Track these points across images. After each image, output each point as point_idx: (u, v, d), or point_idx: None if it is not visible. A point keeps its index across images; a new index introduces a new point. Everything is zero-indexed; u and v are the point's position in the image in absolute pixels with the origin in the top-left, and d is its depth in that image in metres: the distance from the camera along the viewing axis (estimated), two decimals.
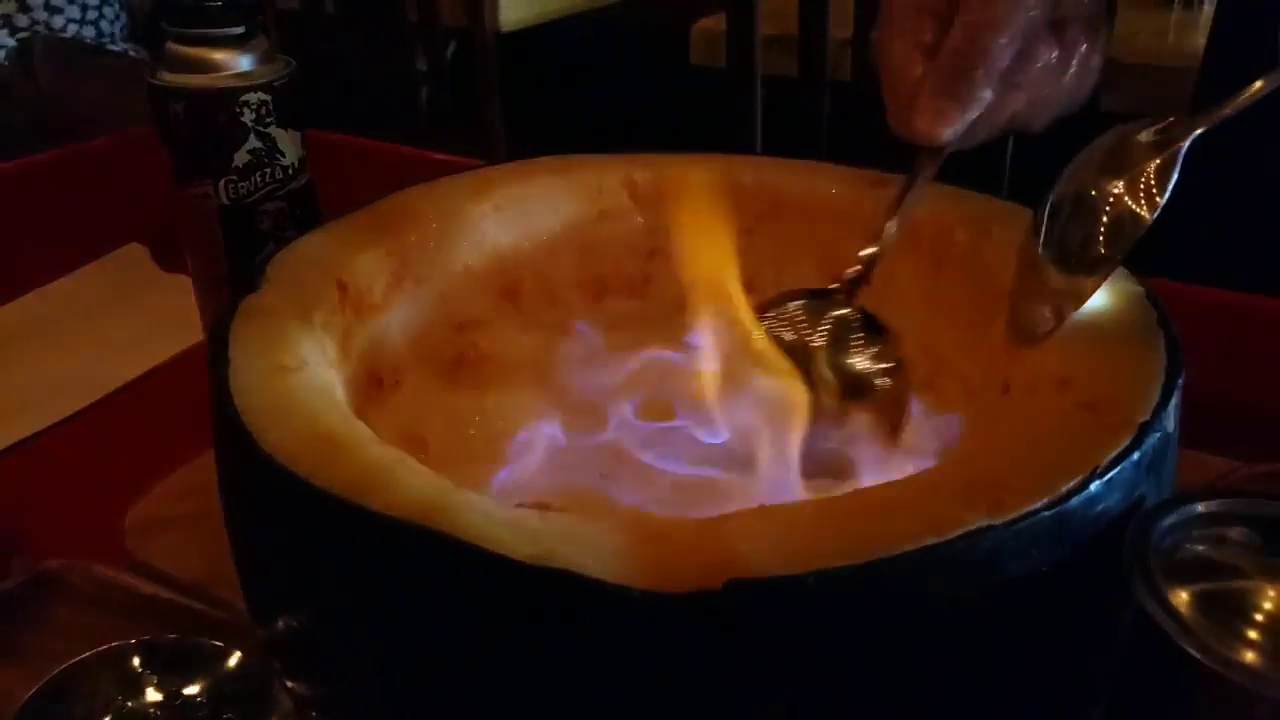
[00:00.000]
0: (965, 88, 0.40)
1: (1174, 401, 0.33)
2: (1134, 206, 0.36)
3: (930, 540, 0.27)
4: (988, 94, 0.41)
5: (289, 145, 0.55)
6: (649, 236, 0.56)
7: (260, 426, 0.33)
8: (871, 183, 0.53)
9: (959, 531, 0.27)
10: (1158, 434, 0.32)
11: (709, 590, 0.26)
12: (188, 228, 0.56)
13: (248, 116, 0.53)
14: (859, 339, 0.43)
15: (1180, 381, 0.34)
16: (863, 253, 0.44)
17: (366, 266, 0.46)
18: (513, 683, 0.29)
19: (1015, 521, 0.28)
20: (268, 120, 0.53)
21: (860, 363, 0.42)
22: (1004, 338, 0.39)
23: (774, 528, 0.29)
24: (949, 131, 0.41)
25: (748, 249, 0.55)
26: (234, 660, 0.40)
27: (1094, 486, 0.29)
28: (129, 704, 0.38)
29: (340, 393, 0.39)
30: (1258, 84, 0.35)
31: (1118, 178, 0.36)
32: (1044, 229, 0.38)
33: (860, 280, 0.44)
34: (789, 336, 0.43)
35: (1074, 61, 0.43)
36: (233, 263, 0.55)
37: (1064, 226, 0.37)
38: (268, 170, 0.54)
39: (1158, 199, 0.35)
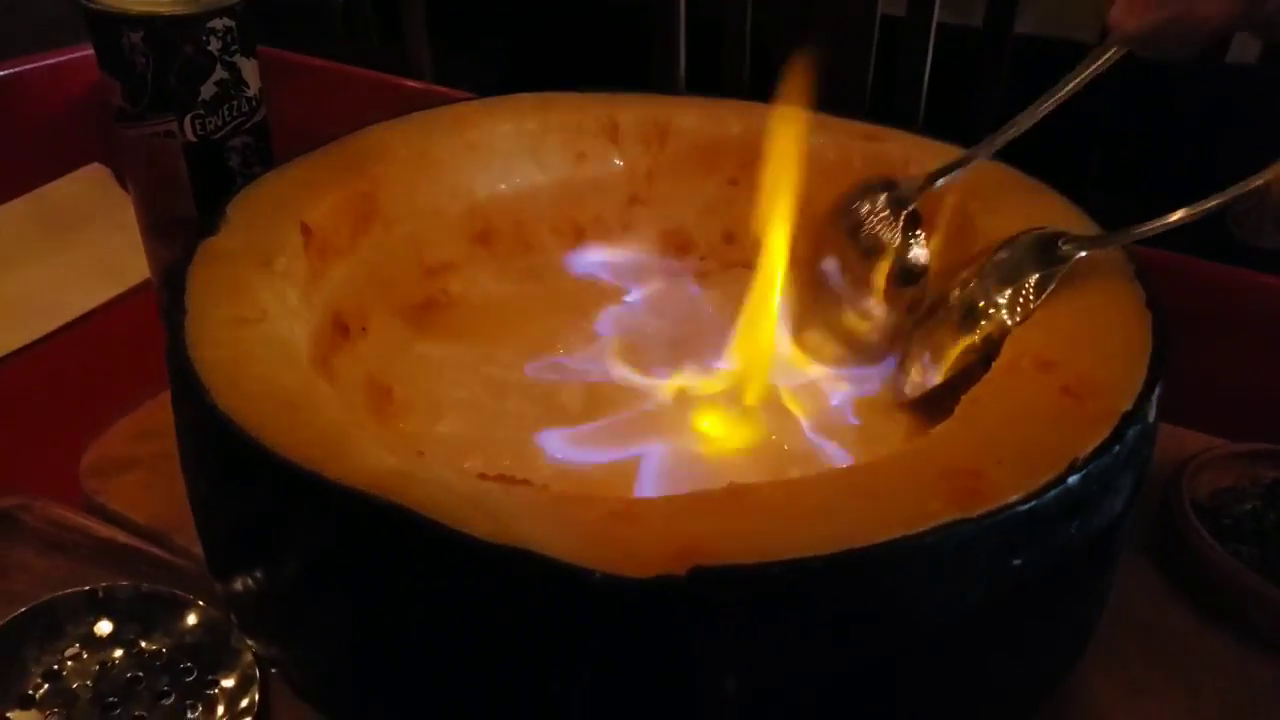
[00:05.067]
0: None
1: (1157, 389, 0.33)
2: (1010, 310, 0.38)
3: (900, 533, 0.27)
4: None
5: (251, 75, 0.52)
6: (629, 182, 0.54)
7: (216, 384, 0.31)
8: (863, 136, 0.52)
9: (930, 525, 0.27)
10: (1139, 425, 0.31)
11: (672, 576, 0.26)
12: (138, 167, 0.53)
13: (214, 45, 0.50)
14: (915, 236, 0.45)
15: (1165, 369, 0.33)
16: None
17: (333, 207, 0.44)
18: (468, 659, 0.28)
19: (988, 516, 0.27)
20: (233, 48, 0.51)
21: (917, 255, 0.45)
22: None
23: (744, 511, 0.28)
24: (1136, 25, 0.38)
25: (731, 200, 0.54)
26: (193, 610, 0.39)
27: (1071, 480, 0.29)
28: (85, 653, 0.38)
29: (302, 344, 0.37)
30: (1178, 213, 0.37)
31: (1003, 284, 0.39)
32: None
33: (932, 182, 0.45)
34: (878, 233, 0.45)
35: None
36: (200, 203, 0.52)
37: (953, 311, 0.41)
38: (234, 103, 0.52)
39: (1031, 308, 0.38)
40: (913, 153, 0.50)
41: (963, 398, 0.34)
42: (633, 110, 0.54)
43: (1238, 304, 0.53)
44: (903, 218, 0.44)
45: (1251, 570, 0.40)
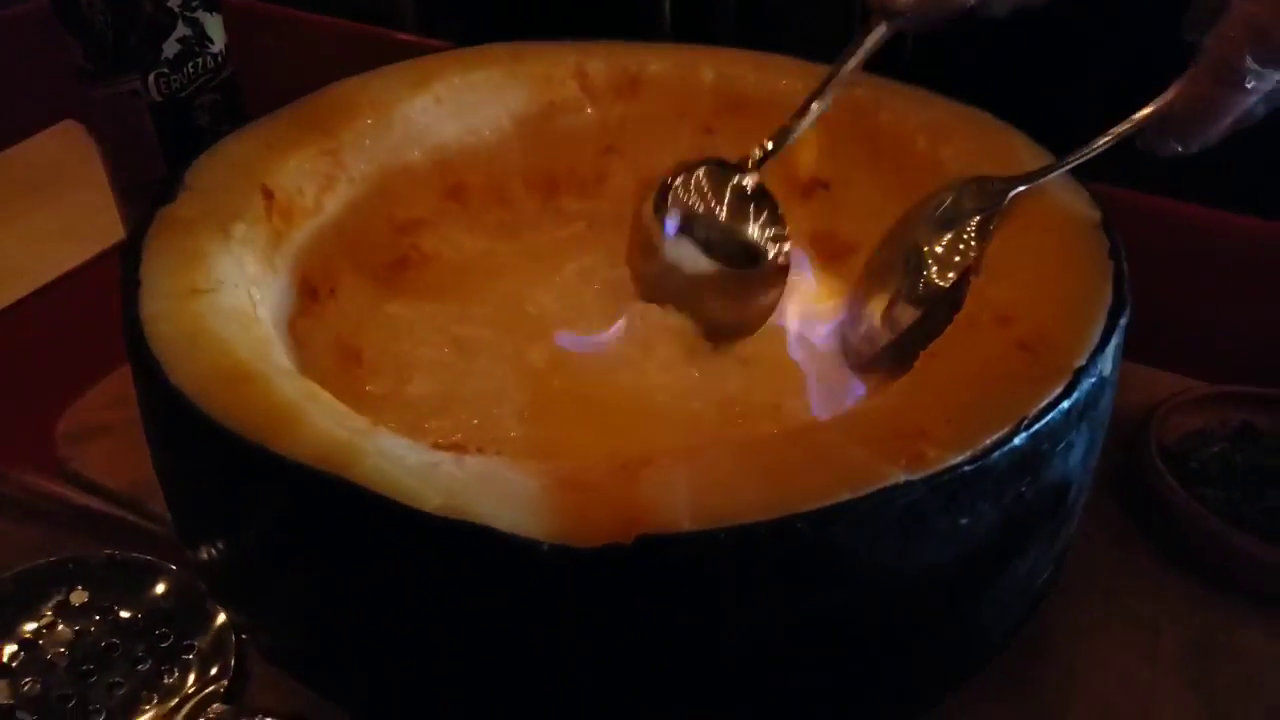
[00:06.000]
0: None
1: (1114, 343, 0.33)
2: (949, 258, 0.38)
3: (845, 496, 0.27)
4: None
5: (215, 31, 0.51)
6: (602, 131, 0.54)
7: (170, 358, 0.31)
8: (837, 82, 0.51)
9: (875, 487, 0.27)
10: (1093, 379, 0.31)
11: (618, 545, 0.26)
12: (105, 127, 0.53)
13: (174, 1, 0.49)
14: (756, 210, 0.44)
15: (1123, 322, 0.33)
16: (777, 132, 0.45)
17: (297, 168, 0.44)
18: (424, 628, 0.29)
19: (934, 477, 0.27)
20: (194, 4, 0.50)
21: (755, 231, 0.44)
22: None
23: (691, 477, 0.28)
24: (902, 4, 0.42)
25: (706, 148, 0.53)
26: (167, 576, 0.40)
27: (1019, 439, 0.29)
28: (60, 622, 0.38)
29: (265, 312, 0.37)
30: (1099, 141, 0.38)
31: (943, 229, 0.39)
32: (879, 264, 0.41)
33: (766, 159, 0.45)
34: (695, 203, 0.45)
35: None
36: (170, 163, 0.52)
37: (896, 264, 0.40)
38: (199, 60, 0.51)
39: (971, 254, 0.38)
40: (885, 98, 0.49)
41: (921, 354, 0.34)
42: (603, 58, 0.53)
43: (1216, 247, 0.52)
44: (729, 191, 0.44)
45: (1215, 515, 0.40)
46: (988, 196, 0.39)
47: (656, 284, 0.45)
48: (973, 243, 0.38)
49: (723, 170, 0.45)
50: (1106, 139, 0.38)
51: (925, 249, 0.39)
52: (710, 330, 0.43)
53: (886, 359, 0.40)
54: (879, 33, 0.43)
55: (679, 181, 0.45)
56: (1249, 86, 0.34)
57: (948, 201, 0.40)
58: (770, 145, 0.45)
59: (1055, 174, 0.39)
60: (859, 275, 0.44)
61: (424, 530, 0.27)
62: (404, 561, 0.28)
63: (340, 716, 0.35)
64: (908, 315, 0.39)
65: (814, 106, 0.44)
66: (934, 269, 0.38)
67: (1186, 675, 0.38)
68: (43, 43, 0.71)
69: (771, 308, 0.44)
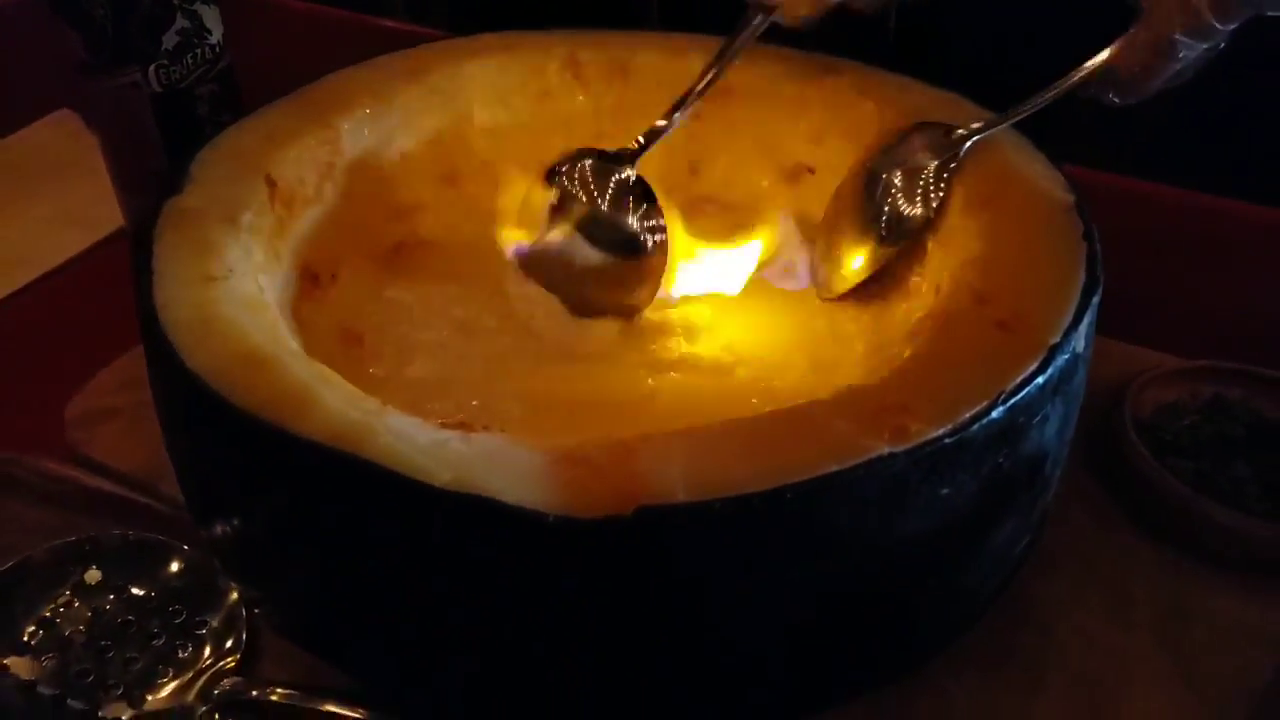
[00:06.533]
0: None
1: (1087, 320, 0.34)
2: (913, 201, 0.42)
3: (832, 468, 0.28)
4: None
5: (213, 21, 0.52)
6: (594, 119, 0.55)
7: (185, 343, 0.33)
8: (821, 69, 0.52)
9: (860, 459, 0.29)
10: (1066, 356, 0.33)
11: (619, 516, 0.28)
12: (105, 120, 0.53)
13: None
14: (635, 203, 0.47)
15: (1095, 301, 0.35)
16: (659, 121, 0.48)
17: (297, 157, 0.45)
18: (434, 599, 0.30)
19: (916, 449, 0.29)
20: None
21: (633, 223, 0.46)
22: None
23: (686, 451, 0.30)
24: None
25: (696, 135, 0.55)
26: (179, 555, 0.41)
27: (996, 412, 0.30)
28: (76, 601, 0.40)
29: (270, 298, 0.39)
30: (1048, 93, 0.41)
31: (903, 174, 0.42)
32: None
33: (641, 152, 0.47)
34: (579, 193, 0.47)
35: None
36: (172, 154, 0.53)
37: (863, 207, 0.43)
38: (198, 51, 0.52)
39: (932, 198, 0.41)
40: (867, 85, 0.50)
41: (907, 334, 0.36)
42: (594, 48, 0.54)
43: (1190, 227, 0.54)
44: (610, 183, 0.46)
45: (1185, 484, 0.42)
46: (944, 145, 0.42)
47: (538, 265, 0.47)
48: (932, 189, 0.41)
49: (603, 162, 0.47)
50: (1055, 90, 0.41)
51: (891, 195, 0.42)
52: (582, 309, 0.46)
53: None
54: (755, 25, 0.46)
55: (564, 169, 0.47)
56: (1180, 56, 0.38)
57: (903, 149, 0.43)
58: (643, 140, 0.47)
59: (1011, 121, 0.42)
60: (826, 214, 0.47)
61: (435, 504, 0.28)
62: (415, 534, 0.29)
63: (352, 686, 0.36)
64: (880, 257, 0.42)
65: (688, 104, 0.47)
66: (901, 213, 0.42)
67: (1159, 638, 0.40)
68: (38, 32, 0.72)
69: (651, 296, 0.46)
